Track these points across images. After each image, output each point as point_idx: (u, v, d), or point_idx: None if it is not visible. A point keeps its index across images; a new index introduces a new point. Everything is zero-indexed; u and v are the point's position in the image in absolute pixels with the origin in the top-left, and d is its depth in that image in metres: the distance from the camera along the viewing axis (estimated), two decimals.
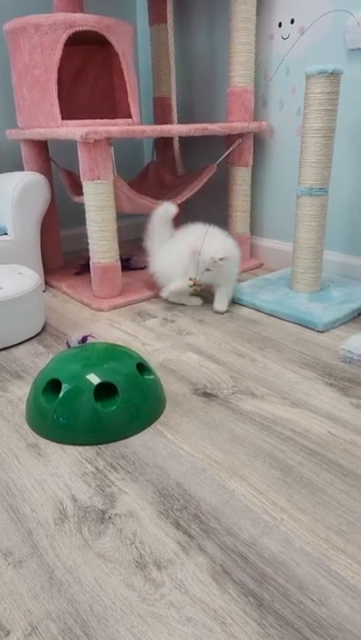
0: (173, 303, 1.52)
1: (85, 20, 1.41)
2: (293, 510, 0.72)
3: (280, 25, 1.62)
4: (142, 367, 0.97)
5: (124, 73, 1.58)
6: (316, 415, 0.95)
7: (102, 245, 1.47)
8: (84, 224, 1.47)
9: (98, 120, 1.50)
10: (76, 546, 0.67)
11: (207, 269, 1.37)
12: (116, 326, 1.37)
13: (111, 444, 0.88)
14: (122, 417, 0.90)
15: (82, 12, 1.59)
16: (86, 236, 1.49)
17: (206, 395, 1.03)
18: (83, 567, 0.64)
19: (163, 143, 1.94)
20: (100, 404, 0.89)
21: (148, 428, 0.92)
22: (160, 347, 1.24)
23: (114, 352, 0.98)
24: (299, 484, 0.77)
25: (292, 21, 1.58)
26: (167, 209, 1.49)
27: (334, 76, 1.27)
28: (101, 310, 1.48)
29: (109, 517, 0.72)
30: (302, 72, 1.60)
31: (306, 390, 1.04)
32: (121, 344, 1.23)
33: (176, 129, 1.51)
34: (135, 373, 0.94)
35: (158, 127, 1.48)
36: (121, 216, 1.54)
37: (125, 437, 0.90)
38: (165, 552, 0.66)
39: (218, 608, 0.59)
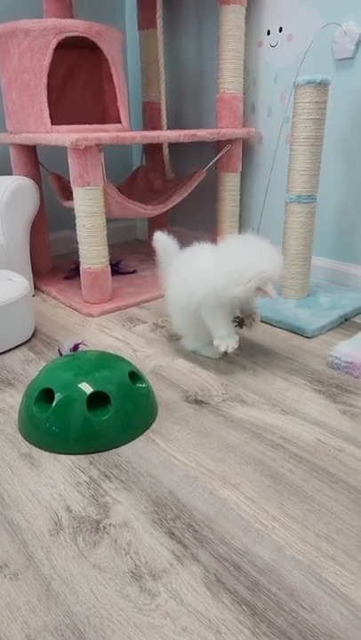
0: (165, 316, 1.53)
1: (75, 26, 1.41)
2: (284, 518, 0.74)
3: (268, 33, 1.63)
4: (134, 375, 0.98)
5: (114, 78, 1.58)
6: (305, 422, 0.97)
7: (92, 251, 1.47)
8: (73, 227, 1.47)
9: (88, 125, 1.50)
10: (72, 557, 0.68)
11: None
12: (106, 332, 1.38)
13: (104, 453, 0.89)
14: (114, 426, 0.91)
15: (72, 17, 1.59)
16: (75, 240, 1.49)
17: (197, 402, 1.04)
18: (79, 578, 0.65)
19: (152, 147, 1.95)
20: (93, 413, 0.89)
21: (141, 437, 0.93)
22: (151, 353, 1.25)
23: (106, 360, 0.99)
24: (289, 492, 0.79)
25: (281, 29, 1.60)
26: (159, 239, 1.23)
27: (322, 86, 1.29)
28: (91, 316, 1.48)
29: (104, 527, 0.73)
30: (290, 80, 1.62)
31: (295, 397, 1.05)
32: (112, 351, 1.24)
33: (165, 135, 1.51)
34: (127, 382, 0.95)
35: (148, 133, 1.48)
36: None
37: (118, 446, 0.91)
38: (160, 562, 0.67)
39: (212, 617, 0.60)
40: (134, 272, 1.84)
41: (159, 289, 1.65)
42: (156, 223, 2.13)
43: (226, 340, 1.13)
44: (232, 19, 1.57)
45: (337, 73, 1.49)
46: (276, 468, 0.84)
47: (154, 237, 1.24)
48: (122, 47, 1.59)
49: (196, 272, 1.11)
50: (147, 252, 2.12)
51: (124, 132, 1.46)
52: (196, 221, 2.12)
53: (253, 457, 0.87)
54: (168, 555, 0.68)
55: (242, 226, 1.92)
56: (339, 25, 1.43)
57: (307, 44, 1.54)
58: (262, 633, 0.58)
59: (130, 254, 2.11)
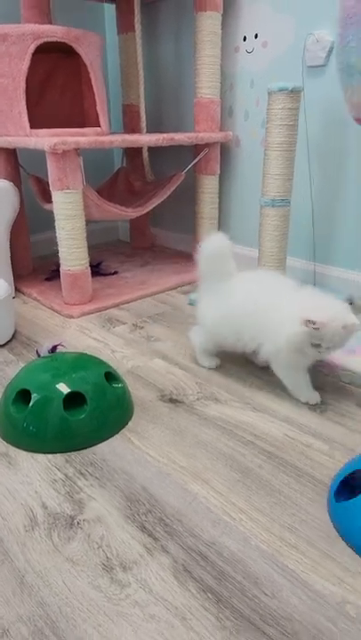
0: (147, 317, 1.56)
1: (53, 32, 1.43)
2: (251, 511, 0.78)
3: (245, 39, 1.67)
4: (110, 376, 1.01)
5: (93, 83, 1.60)
6: (275, 419, 1.01)
7: (72, 253, 1.49)
8: (54, 228, 1.49)
9: (67, 129, 1.52)
10: (46, 551, 0.71)
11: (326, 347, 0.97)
12: (86, 333, 1.40)
13: (80, 452, 0.92)
14: (90, 425, 0.93)
15: (50, 22, 1.61)
16: (56, 242, 1.51)
17: (172, 401, 1.07)
18: (52, 571, 0.68)
19: (132, 150, 1.97)
20: (69, 413, 0.92)
21: (117, 435, 0.96)
22: (129, 353, 1.28)
23: (82, 361, 1.01)
24: (257, 486, 0.83)
25: (256, 36, 1.64)
26: (217, 244, 1.07)
27: (295, 93, 1.33)
28: (71, 317, 1.50)
29: (78, 523, 0.76)
30: (265, 85, 1.65)
31: (267, 395, 1.09)
32: (91, 351, 1.26)
33: (144, 139, 1.54)
34: (103, 382, 0.97)
35: (127, 137, 1.51)
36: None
37: (94, 445, 0.93)
38: (131, 554, 0.70)
39: (179, 605, 0.63)
40: (115, 273, 1.87)
41: (139, 290, 1.68)
42: (137, 225, 2.16)
43: (308, 397, 1.06)
44: (209, 25, 1.61)
45: (308, 80, 1.53)
46: (245, 464, 0.88)
47: (207, 238, 1.05)
48: (101, 52, 1.62)
49: (276, 317, 1.00)
50: (128, 254, 2.15)
51: (103, 137, 1.49)
52: (177, 223, 2.15)
53: (224, 453, 0.91)
54: (139, 547, 0.71)
55: (220, 226, 1.95)
56: (311, 33, 1.47)
57: (281, 51, 1.58)
58: (226, 618, 0.61)
59: (111, 255, 2.13)
